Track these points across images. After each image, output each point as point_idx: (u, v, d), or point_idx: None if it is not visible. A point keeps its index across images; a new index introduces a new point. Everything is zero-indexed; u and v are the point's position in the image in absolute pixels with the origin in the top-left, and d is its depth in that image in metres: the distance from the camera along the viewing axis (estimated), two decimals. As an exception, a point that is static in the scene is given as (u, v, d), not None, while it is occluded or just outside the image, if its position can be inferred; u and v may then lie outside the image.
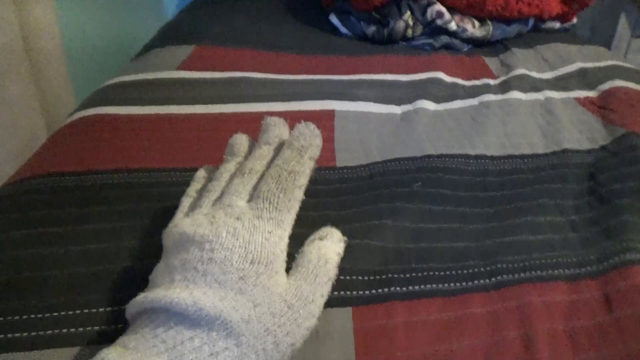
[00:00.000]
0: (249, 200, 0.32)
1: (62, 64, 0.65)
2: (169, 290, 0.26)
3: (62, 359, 0.29)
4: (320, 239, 0.33)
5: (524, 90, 0.67)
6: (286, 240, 0.31)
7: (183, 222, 0.31)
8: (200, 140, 0.53)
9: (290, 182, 0.33)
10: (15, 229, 0.39)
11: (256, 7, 1.10)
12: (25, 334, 0.30)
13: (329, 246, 0.32)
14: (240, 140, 0.38)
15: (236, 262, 0.28)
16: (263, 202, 0.31)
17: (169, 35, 0.89)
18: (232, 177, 0.35)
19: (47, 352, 0.29)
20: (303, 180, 0.34)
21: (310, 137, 0.36)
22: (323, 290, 0.30)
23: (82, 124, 0.56)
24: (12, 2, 0.54)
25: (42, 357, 0.29)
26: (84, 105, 0.61)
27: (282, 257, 0.30)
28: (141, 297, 0.27)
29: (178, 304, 0.24)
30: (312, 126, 0.36)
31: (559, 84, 0.72)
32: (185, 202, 0.35)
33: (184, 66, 0.72)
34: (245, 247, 0.28)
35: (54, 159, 0.49)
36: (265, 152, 0.36)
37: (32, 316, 0.31)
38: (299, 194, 0.33)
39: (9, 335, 0.30)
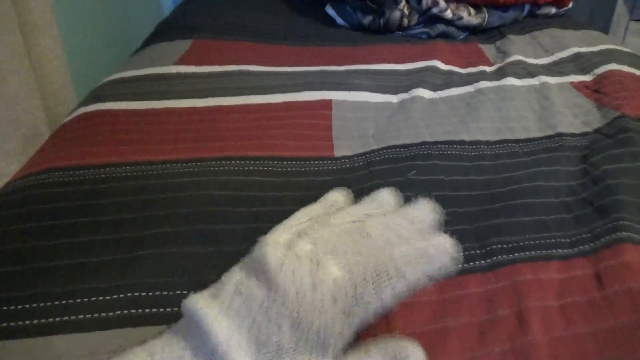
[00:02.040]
0: None
1: (62, 60, 0.66)
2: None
3: (68, 344, 0.30)
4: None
5: (520, 76, 0.68)
6: None
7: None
8: (199, 133, 0.53)
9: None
10: (22, 222, 0.40)
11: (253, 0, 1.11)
12: (32, 321, 0.31)
13: None
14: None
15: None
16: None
17: (167, 30, 0.89)
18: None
19: (52, 338, 0.31)
20: None
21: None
22: None
23: (84, 120, 0.57)
24: (11, 1, 0.55)
25: (47, 343, 0.30)
26: (85, 102, 0.62)
27: None
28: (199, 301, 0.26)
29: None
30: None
31: (555, 69, 0.72)
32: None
33: (182, 61, 0.73)
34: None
35: (57, 154, 0.50)
36: None
37: (40, 304, 0.33)
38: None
39: (18, 323, 0.31)
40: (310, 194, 0.39)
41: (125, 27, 1.01)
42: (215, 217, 0.40)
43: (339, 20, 0.98)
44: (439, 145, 0.50)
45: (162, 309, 0.33)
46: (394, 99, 0.63)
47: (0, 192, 0.45)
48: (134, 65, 0.73)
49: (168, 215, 0.41)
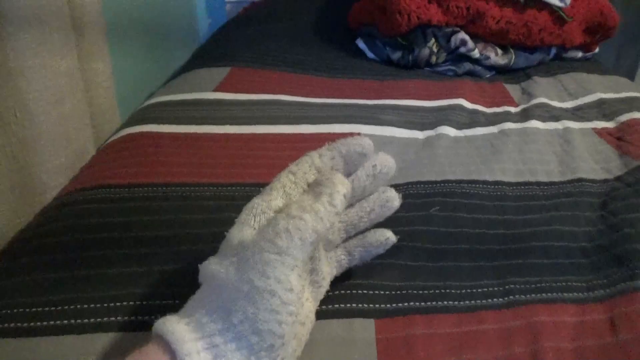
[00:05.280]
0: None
1: (110, 82, 0.71)
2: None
3: (105, 342, 0.34)
4: None
5: (543, 119, 0.70)
6: None
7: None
8: (235, 159, 0.57)
9: None
10: (71, 234, 0.44)
11: (284, 29, 1.16)
12: (78, 320, 0.35)
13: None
14: None
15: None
16: None
17: (205, 57, 0.94)
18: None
19: (95, 336, 0.34)
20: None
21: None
22: None
23: (129, 141, 0.61)
24: (71, 30, 0.60)
25: (92, 340, 0.33)
26: (130, 123, 0.66)
27: None
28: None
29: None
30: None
31: (578, 113, 0.74)
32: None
33: (221, 87, 0.77)
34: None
35: (104, 172, 0.54)
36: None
37: (84, 306, 0.36)
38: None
39: (64, 322, 0.35)
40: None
41: (164, 53, 1.07)
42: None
43: (370, 54, 1.01)
44: (462, 184, 0.53)
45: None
46: (420, 135, 0.66)
47: (57, 204, 0.49)
48: (174, 89, 0.77)
49: (202, 234, 0.44)
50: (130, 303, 0.37)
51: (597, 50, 1.05)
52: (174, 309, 0.36)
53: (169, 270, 0.40)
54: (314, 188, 0.31)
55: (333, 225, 0.33)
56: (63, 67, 0.59)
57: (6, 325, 0.34)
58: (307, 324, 0.31)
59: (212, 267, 0.29)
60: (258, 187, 0.51)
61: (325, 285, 0.35)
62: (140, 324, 0.35)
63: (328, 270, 0.36)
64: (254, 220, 0.30)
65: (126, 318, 0.35)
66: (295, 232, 0.27)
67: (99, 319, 0.35)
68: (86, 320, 0.35)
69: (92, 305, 0.36)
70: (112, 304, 0.36)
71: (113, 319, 0.35)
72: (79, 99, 0.62)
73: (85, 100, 0.65)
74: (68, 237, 0.43)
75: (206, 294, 0.28)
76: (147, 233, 0.44)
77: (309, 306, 0.31)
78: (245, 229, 0.30)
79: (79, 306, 0.36)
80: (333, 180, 0.30)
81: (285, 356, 0.27)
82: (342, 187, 0.30)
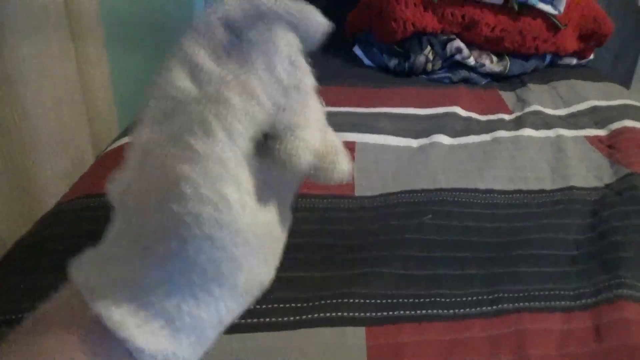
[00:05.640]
0: None
1: (109, 90, 0.72)
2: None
3: None
4: None
5: (537, 127, 0.71)
6: None
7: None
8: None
9: None
10: (72, 239, 0.44)
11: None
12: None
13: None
14: None
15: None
16: None
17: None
18: None
19: None
20: None
21: None
22: None
23: (126, 150, 0.62)
24: (70, 39, 0.61)
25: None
26: (128, 132, 0.67)
27: None
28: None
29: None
30: None
31: (571, 120, 0.75)
32: None
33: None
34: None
35: (103, 180, 0.55)
36: None
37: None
38: None
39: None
40: (329, 228, 0.43)
41: (164, 58, 1.08)
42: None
43: (366, 61, 1.03)
44: (454, 192, 0.54)
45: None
46: (414, 143, 0.67)
47: (57, 211, 0.50)
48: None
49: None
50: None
51: (591, 57, 1.06)
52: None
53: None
54: (243, 48, 0.20)
55: None
56: (61, 73, 0.60)
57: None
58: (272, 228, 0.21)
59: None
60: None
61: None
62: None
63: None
64: (160, 114, 0.19)
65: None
66: (216, 122, 0.18)
67: None
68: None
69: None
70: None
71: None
72: (77, 105, 0.63)
73: (84, 106, 0.66)
74: (67, 243, 0.44)
75: (124, 240, 0.19)
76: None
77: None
78: (143, 131, 0.20)
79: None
80: (270, 37, 0.20)
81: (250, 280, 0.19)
82: (286, 45, 0.20)
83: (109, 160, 0.60)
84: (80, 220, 0.48)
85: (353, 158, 0.61)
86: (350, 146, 0.63)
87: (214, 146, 0.17)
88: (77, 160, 0.64)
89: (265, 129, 0.19)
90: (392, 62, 0.97)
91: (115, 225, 0.20)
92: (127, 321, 0.17)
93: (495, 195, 0.54)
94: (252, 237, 0.19)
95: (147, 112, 0.20)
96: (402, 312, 0.38)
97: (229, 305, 0.19)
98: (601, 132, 0.70)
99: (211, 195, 0.17)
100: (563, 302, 0.40)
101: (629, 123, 0.70)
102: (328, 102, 0.78)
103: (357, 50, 1.05)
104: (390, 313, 0.38)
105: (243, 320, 0.36)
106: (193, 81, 0.19)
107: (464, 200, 0.52)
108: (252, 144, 0.19)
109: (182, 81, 0.19)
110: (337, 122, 0.70)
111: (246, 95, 0.18)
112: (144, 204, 0.18)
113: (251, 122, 0.18)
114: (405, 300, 0.39)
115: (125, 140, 0.64)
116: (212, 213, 0.17)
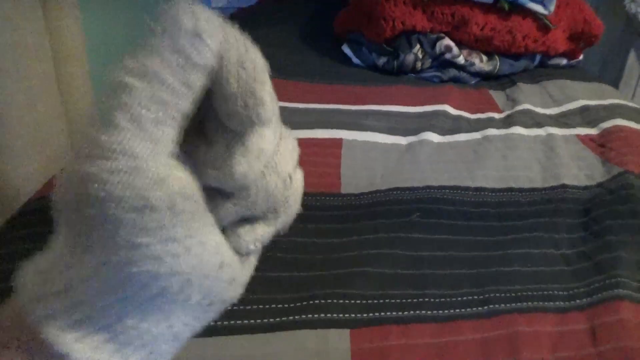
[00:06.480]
0: None
1: (88, 87, 0.70)
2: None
3: None
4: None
5: (527, 125, 0.70)
6: None
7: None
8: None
9: None
10: (41, 241, 0.42)
11: (271, 35, 1.15)
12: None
13: None
14: None
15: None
16: None
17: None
18: None
19: None
20: None
21: None
22: None
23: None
24: (46, 32, 0.59)
25: None
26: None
27: None
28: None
29: None
30: None
31: (562, 120, 0.74)
32: None
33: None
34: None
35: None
36: None
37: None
38: None
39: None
40: (312, 226, 0.40)
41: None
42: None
43: (355, 60, 1.01)
44: (444, 190, 0.52)
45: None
46: (403, 141, 0.65)
47: (26, 210, 0.47)
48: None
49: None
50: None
51: (581, 57, 1.06)
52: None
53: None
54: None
55: None
56: (37, 70, 0.58)
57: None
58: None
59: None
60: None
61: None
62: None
63: None
64: None
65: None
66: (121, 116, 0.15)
67: None
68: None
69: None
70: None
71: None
72: (53, 103, 0.61)
73: (61, 104, 0.63)
74: (36, 245, 0.41)
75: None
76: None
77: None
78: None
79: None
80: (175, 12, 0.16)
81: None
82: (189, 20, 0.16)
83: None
84: (46, 220, 0.45)
85: (339, 155, 0.59)
86: (336, 143, 0.62)
87: (120, 138, 0.15)
88: (54, 159, 0.61)
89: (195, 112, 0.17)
90: (381, 61, 0.96)
91: (56, 229, 0.18)
92: (65, 335, 0.16)
93: (486, 193, 0.53)
94: (196, 247, 0.17)
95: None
96: (388, 313, 0.36)
97: (184, 320, 0.18)
98: (592, 131, 0.69)
99: (128, 195, 0.15)
100: (557, 303, 0.38)
101: (620, 122, 0.69)
102: (313, 100, 0.76)
103: (346, 50, 1.03)
104: (376, 314, 0.36)
105: (219, 323, 0.34)
106: None
107: (453, 198, 0.51)
108: (179, 131, 0.16)
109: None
110: (323, 120, 0.68)
111: (149, 78, 0.15)
112: (68, 207, 0.16)
113: (162, 106, 0.16)
114: (392, 301, 0.37)
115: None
116: (133, 217, 0.15)
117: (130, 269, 0.16)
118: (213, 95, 0.18)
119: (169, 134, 0.16)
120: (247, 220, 0.20)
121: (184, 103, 0.16)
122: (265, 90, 0.19)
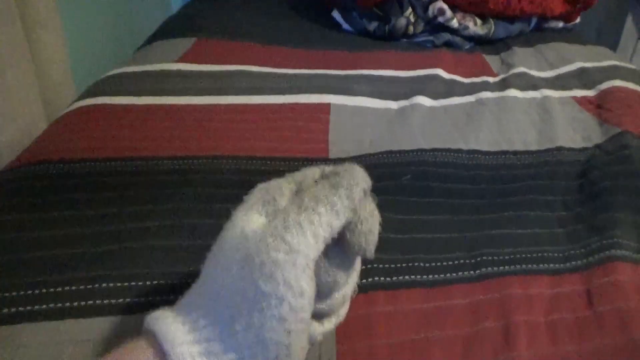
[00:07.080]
0: None
1: (63, 54, 0.66)
2: None
3: (40, 332, 0.30)
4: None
5: (522, 88, 0.67)
6: None
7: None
8: (194, 131, 0.53)
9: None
10: (16, 212, 0.40)
11: (260, 1, 1.11)
12: (10, 309, 0.31)
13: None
14: None
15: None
16: None
17: (171, 28, 0.89)
18: None
19: (25, 326, 0.31)
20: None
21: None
22: None
23: (81, 114, 0.56)
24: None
25: (16, 331, 0.30)
26: (83, 96, 0.61)
27: None
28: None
29: None
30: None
31: (558, 82, 0.71)
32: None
33: (184, 59, 0.73)
34: None
35: (52, 147, 0.50)
36: None
37: (19, 293, 0.32)
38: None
39: (5, 310, 0.31)
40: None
41: (130, 23, 1.02)
42: (199, 213, 0.40)
43: (345, 26, 0.97)
44: (435, 153, 0.50)
45: (140, 299, 0.32)
46: (393, 105, 0.62)
47: None
48: (135, 61, 0.73)
49: (152, 210, 0.40)
50: (73, 288, 0.33)
51: (578, 20, 1.03)
52: (119, 294, 0.33)
53: (112, 251, 0.36)
54: (330, 178, 0.26)
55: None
56: (5, 37, 0.54)
57: None
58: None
59: (212, 266, 0.24)
60: (217, 159, 0.48)
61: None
62: (79, 310, 0.32)
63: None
64: (262, 207, 0.25)
65: (60, 305, 0.32)
66: (308, 227, 0.23)
67: (27, 308, 0.32)
68: (13, 310, 0.32)
69: (20, 293, 0.33)
70: (44, 290, 0.33)
71: (45, 306, 0.32)
72: (24, 70, 0.58)
73: (33, 72, 0.60)
74: (10, 216, 0.39)
75: (205, 292, 0.24)
76: (90, 211, 0.40)
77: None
78: (251, 215, 0.25)
79: (6, 294, 0.32)
80: (352, 172, 0.26)
81: None
82: (362, 180, 0.25)
83: (59, 127, 0.54)
84: (22, 190, 0.43)
85: (327, 121, 0.57)
86: (324, 108, 0.59)
87: (304, 245, 0.22)
88: (27, 129, 0.58)
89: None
90: (372, 26, 0.92)
91: (200, 285, 0.24)
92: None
93: (479, 156, 0.50)
94: (305, 329, 0.23)
95: (254, 203, 0.26)
96: (375, 278, 0.35)
97: None
98: (589, 93, 0.67)
99: (293, 283, 0.22)
100: (551, 265, 0.37)
101: (618, 83, 0.67)
102: (301, 66, 0.73)
103: (336, 15, 0.99)
104: (363, 281, 0.34)
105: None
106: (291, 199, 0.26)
107: (445, 160, 0.49)
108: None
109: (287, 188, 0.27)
110: (310, 85, 0.65)
111: (330, 209, 0.24)
112: (236, 278, 0.23)
113: (330, 230, 0.23)
114: (380, 266, 0.36)
115: (82, 103, 0.59)
116: (290, 299, 0.22)
117: (265, 334, 0.22)
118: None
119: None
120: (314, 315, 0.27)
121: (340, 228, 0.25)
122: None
